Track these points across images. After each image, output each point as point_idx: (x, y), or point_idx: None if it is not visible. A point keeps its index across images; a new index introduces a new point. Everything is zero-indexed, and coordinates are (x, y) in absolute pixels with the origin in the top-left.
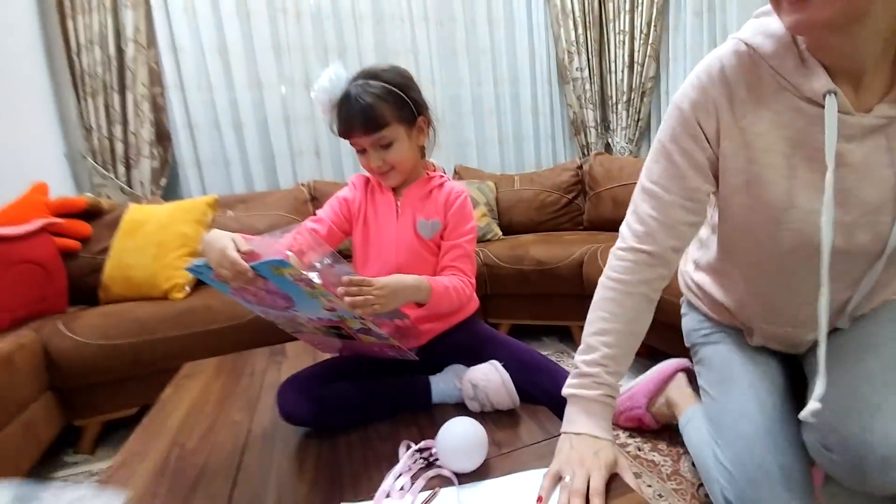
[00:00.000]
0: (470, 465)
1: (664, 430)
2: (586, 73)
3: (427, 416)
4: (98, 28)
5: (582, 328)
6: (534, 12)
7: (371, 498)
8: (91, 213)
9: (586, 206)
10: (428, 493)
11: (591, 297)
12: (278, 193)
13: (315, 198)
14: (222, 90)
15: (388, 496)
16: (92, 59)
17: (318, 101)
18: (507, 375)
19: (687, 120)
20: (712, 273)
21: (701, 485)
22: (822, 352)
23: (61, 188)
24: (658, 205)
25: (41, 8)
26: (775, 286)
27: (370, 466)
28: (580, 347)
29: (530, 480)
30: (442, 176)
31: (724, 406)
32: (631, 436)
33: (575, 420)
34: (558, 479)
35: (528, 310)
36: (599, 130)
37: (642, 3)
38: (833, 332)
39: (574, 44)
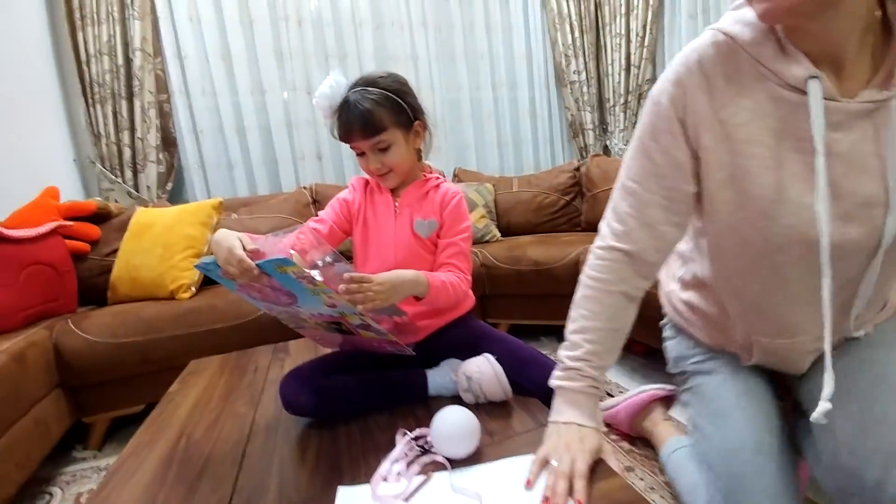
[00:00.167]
0: (462, 451)
1: None
2: (583, 76)
3: (423, 408)
4: (107, 38)
5: None
6: (531, 17)
7: (368, 482)
8: (100, 217)
9: (584, 208)
10: (422, 477)
11: None
12: (281, 196)
13: (317, 201)
14: (226, 96)
15: (384, 480)
16: (101, 68)
17: (319, 107)
18: (499, 368)
19: (665, 115)
20: (702, 288)
21: None
22: (827, 346)
23: (71, 192)
24: (636, 203)
25: (52, 19)
26: (770, 290)
27: (368, 453)
28: (564, 343)
29: (520, 465)
30: (438, 177)
31: (718, 444)
32: (606, 424)
33: (562, 410)
34: (546, 463)
35: (526, 310)
36: (597, 133)
37: (638, 6)
38: (839, 358)
39: (571, 47)
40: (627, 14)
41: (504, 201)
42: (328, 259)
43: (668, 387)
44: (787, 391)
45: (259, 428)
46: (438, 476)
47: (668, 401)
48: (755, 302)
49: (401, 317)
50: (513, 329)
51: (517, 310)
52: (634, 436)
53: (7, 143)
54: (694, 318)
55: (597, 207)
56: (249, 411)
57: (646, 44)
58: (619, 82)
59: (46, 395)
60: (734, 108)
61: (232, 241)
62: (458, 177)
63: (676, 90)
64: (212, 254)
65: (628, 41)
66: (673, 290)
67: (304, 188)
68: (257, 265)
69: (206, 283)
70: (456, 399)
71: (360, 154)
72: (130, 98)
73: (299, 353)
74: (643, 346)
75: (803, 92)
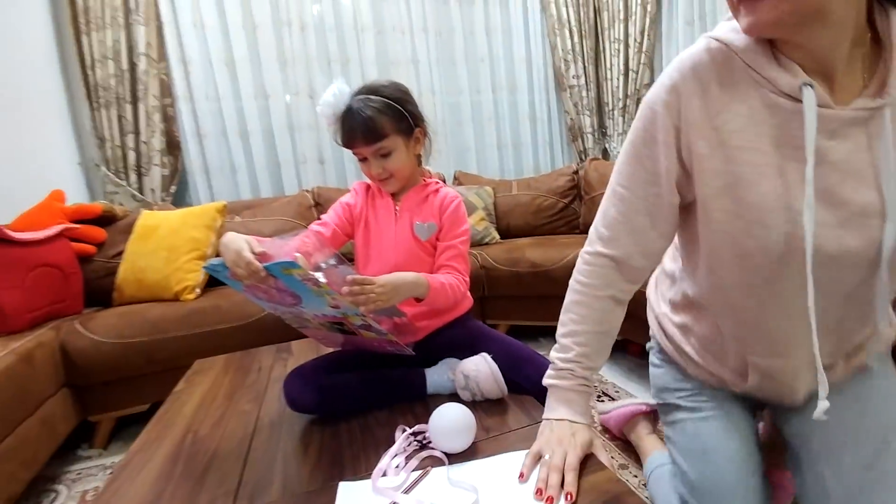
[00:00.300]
0: (459, 445)
1: None
2: (582, 80)
3: (422, 406)
4: (111, 43)
5: None
6: (531, 22)
7: (369, 476)
8: (106, 219)
9: (582, 210)
10: (421, 471)
11: None
12: (283, 199)
13: (319, 203)
14: (229, 100)
15: (384, 474)
16: (105, 73)
17: (323, 115)
18: (495, 367)
19: (659, 122)
20: (693, 309)
21: None
22: (816, 346)
23: (76, 195)
24: (625, 209)
25: (57, 24)
26: (765, 304)
27: (369, 449)
28: (555, 346)
29: (514, 460)
30: (437, 182)
31: (699, 484)
32: (601, 425)
33: (555, 407)
34: (539, 457)
35: (524, 311)
36: (596, 136)
37: (636, 12)
38: (836, 396)
39: (570, 52)
40: (626, 20)
41: (503, 204)
42: (331, 262)
43: (652, 402)
44: (777, 431)
45: (263, 424)
46: (436, 470)
47: (654, 415)
48: (750, 318)
49: (401, 318)
50: (511, 330)
51: (516, 311)
52: (626, 440)
53: (13, 146)
54: (686, 343)
55: (594, 210)
56: (254, 409)
57: (644, 49)
58: (618, 87)
59: (53, 395)
60: (728, 114)
61: (240, 243)
62: (458, 180)
63: (671, 96)
64: (219, 256)
65: (627, 46)
66: (664, 312)
67: (307, 191)
68: (264, 267)
69: (211, 284)
70: (454, 397)
71: (363, 159)
72: (135, 102)
73: (302, 352)
74: (639, 347)
75: (798, 100)
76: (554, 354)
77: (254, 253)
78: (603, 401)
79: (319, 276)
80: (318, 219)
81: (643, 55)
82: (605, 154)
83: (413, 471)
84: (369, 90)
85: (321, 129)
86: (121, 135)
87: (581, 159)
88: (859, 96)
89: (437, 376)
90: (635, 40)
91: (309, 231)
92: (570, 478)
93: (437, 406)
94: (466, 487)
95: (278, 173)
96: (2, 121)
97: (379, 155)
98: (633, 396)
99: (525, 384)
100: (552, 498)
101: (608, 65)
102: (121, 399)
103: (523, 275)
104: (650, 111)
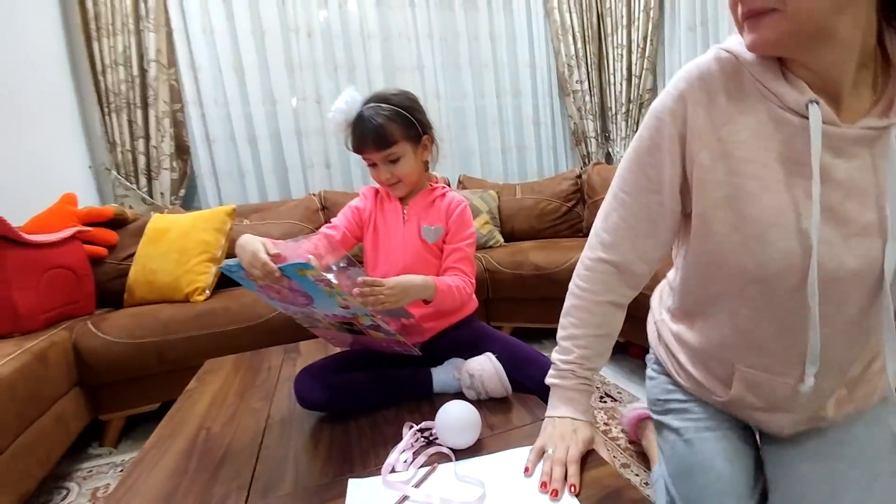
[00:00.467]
0: (465, 441)
1: None
2: (586, 85)
3: (428, 404)
4: (122, 49)
5: None
6: (534, 28)
7: (378, 472)
8: (117, 222)
9: (585, 214)
10: (428, 467)
11: None
12: (291, 203)
13: (325, 207)
14: (238, 106)
15: (392, 470)
16: (116, 79)
17: (335, 121)
18: (500, 366)
19: (664, 131)
20: (687, 318)
21: None
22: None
23: (86, 198)
24: (626, 215)
25: (68, 31)
26: (760, 317)
27: (377, 445)
28: (556, 347)
29: (519, 456)
30: (444, 187)
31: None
32: (622, 430)
33: (557, 406)
34: (542, 452)
35: (528, 313)
36: (600, 140)
37: (639, 18)
38: (812, 453)
39: (574, 57)
40: (629, 26)
41: (507, 208)
42: (342, 264)
43: None
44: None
45: (274, 422)
46: (443, 466)
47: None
48: (743, 327)
49: (408, 319)
50: (515, 332)
51: (519, 313)
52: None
53: (26, 150)
54: (680, 351)
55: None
56: (264, 407)
57: (647, 54)
58: (621, 91)
59: (66, 394)
60: (734, 126)
61: (256, 245)
62: (462, 184)
63: (677, 105)
64: (234, 257)
65: (629, 52)
66: (663, 319)
67: (313, 195)
68: (279, 268)
69: (220, 286)
70: (459, 395)
71: (372, 164)
72: (145, 107)
73: (310, 353)
74: (641, 349)
75: (804, 116)
76: (555, 356)
77: (269, 254)
78: (605, 402)
79: (331, 277)
80: (327, 222)
81: (646, 60)
82: (609, 158)
83: (420, 467)
84: (380, 98)
85: (328, 133)
86: (131, 139)
87: (584, 163)
88: (866, 116)
89: (443, 375)
90: (638, 45)
91: (320, 234)
92: (573, 470)
93: (444, 404)
94: (474, 482)
95: (285, 177)
96: (15, 125)
97: (388, 160)
98: (636, 398)
99: (528, 383)
100: (557, 491)
101: (611, 70)
102: (131, 398)
103: (527, 278)
104: (656, 119)
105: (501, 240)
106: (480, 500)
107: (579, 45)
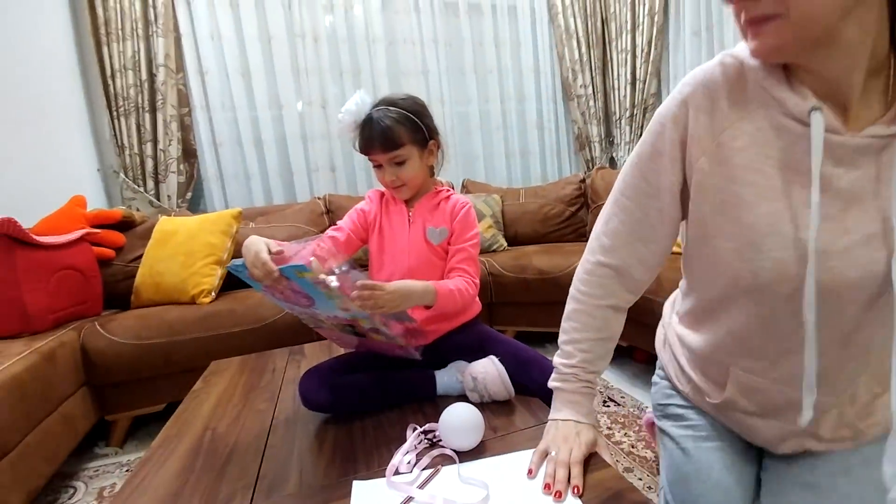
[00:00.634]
0: (468, 443)
1: None
2: (590, 90)
3: (432, 406)
4: (131, 54)
5: None
6: (539, 33)
7: (382, 473)
8: (125, 225)
9: (588, 219)
10: (432, 469)
11: None
12: (296, 206)
13: (330, 210)
14: (244, 110)
15: (396, 471)
16: (125, 83)
17: (344, 122)
18: (503, 369)
19: (667, 137)
20: (693, 322)
21: None
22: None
23: (95, 201)
24: (627, 220)
25: (78, 36)
26: (756, 326)
27: (381, 447)
28: (558, 351)
29: (522, 459)
30: (448, 190)
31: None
32: (625, 434)
33: (560, 409)
34: (546, 455)
35: (531, 317)
36: (604, 145)
37: (643, 23)
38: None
39: (578, 62)
40: (633, 30)
41: (511, 212)
42: (344, 267)
43: None
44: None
45: (279, 422)
46: (447, 468)
47: None
48: (739, 332)
49: (411, 323)
50: (518, 336)
51: (523, 317)
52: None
53: (36, 152)
54: (682, 354)
55: None
56: (269, 408)
57: (651, 59)
58: (625, 96)
59: (74, 393)
60: (734, 131)
61: (259, 245)
62: (466, 188)
63: (680, 110)
64: (242, 257)
65: (634, 56)
66: (672, 322)
67: (318, 198)
68: (279, 269)
69: (226, 288)
70: (462, 398)
71: (378, 166)
72: (153, 111)
73: (314, 355)
74: (645, 354)
75: (806, 124)
76: (557, 360)
77: (271, 254)
78: (608, 406)
79: (332, 279)
80: (333, 224)
81: (650, 65)
82: (613, 163)
83: (424, 468)
84: (389, 102)
85: (333, 138)
86: (139, 143)
87: (588, 168)
88: (874, 124)
89: (446, 378)
90: (642, 50)
91: (325, 236)
92: (577, 471)
93: (447, 406)
94: (478, 484)
95: (291, 181)
96: (26, 128)
97: (394, 163)
98: (641, 402)
99: (531, 386)
100: (560, 492)
101: (615, 74)
102: (137, 399)
103: (530, 282)
104: (659, 125)
105: (505, 244)
106: (484, 502)
107: (583, 49)
